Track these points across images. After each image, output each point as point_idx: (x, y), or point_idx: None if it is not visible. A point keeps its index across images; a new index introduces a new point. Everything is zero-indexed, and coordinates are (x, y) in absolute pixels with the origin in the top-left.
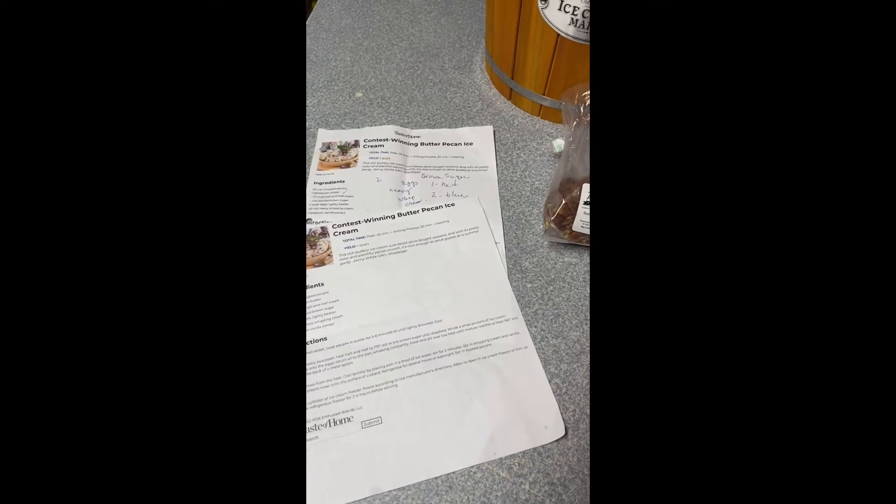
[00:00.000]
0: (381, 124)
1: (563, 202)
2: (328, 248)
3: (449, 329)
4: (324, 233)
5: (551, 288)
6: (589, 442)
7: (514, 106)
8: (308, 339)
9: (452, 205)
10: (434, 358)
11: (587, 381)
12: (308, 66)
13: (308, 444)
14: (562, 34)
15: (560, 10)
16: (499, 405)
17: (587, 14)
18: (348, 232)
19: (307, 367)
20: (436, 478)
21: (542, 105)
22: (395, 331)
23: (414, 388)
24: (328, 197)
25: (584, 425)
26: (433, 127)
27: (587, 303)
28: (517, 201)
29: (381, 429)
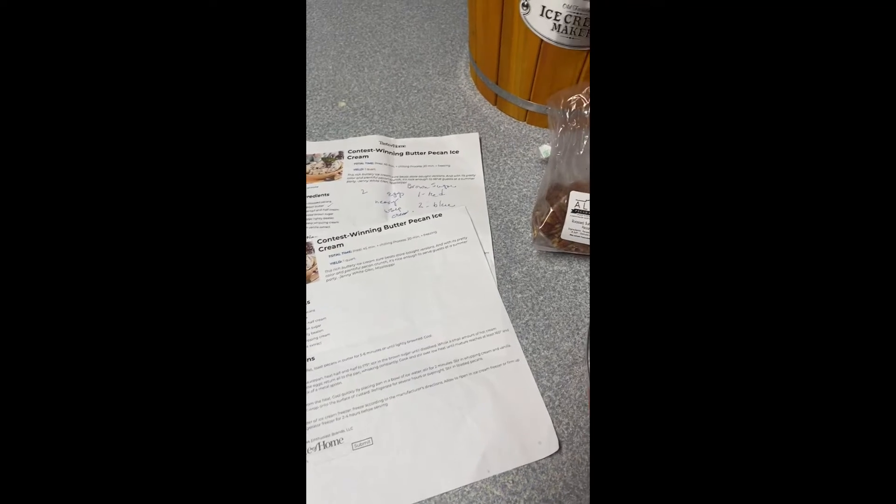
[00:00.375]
0: (365, 134)
1: (551, 210)
2: (314, 265)
3: (439, 344)
4: (309, 248)
5: (541, 298)
6: (583, 456)
7: (499, 111)
8: None
9: (440, 215)
10: (424, 375)
11: (580, 392)
12: None
13: None
14: (545, 39)
15: (542, 15)
16: (491, 421)
17: (569, 19)
18: (334, 247)
19: None
20: (429, 499)
21: (527, 110)
22: (383, 348)
23: (404, 407)
24: (312, 211)
25: (578, 439)
26: (418, 135)
27: (578, 312)
28: (505, 209)
29: (372, 450)
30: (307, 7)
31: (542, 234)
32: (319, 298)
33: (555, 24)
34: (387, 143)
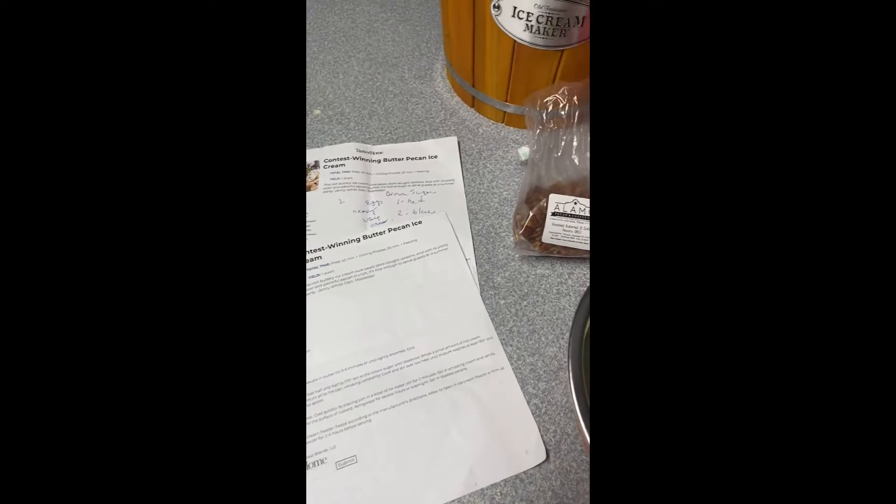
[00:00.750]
0: (341, 142)
1: (531, 214)
2: None
3: (422, 356)
4: None
5: (525, 303)
6: (571, 464)
7: (477, 114)
8: None
9: (420, 223)
10: (408, 388)
11: (566, 398)
12: None
13: None
14: (518, 40)
15: (514, 16)
16: (477, 433)
17: (541, 19)
18: (312, 260)
19: None
20: None
21: (505, 112)
22: (366, 362)
23: (389, 423)
24: None
25: (566, 446)
26: (396, 141)
27: (562, 315)
28: (486, 214)
29: (356, 468)
30: None
31: (522, 237)
32: None
33: (527, 24)
34: (364, 151)
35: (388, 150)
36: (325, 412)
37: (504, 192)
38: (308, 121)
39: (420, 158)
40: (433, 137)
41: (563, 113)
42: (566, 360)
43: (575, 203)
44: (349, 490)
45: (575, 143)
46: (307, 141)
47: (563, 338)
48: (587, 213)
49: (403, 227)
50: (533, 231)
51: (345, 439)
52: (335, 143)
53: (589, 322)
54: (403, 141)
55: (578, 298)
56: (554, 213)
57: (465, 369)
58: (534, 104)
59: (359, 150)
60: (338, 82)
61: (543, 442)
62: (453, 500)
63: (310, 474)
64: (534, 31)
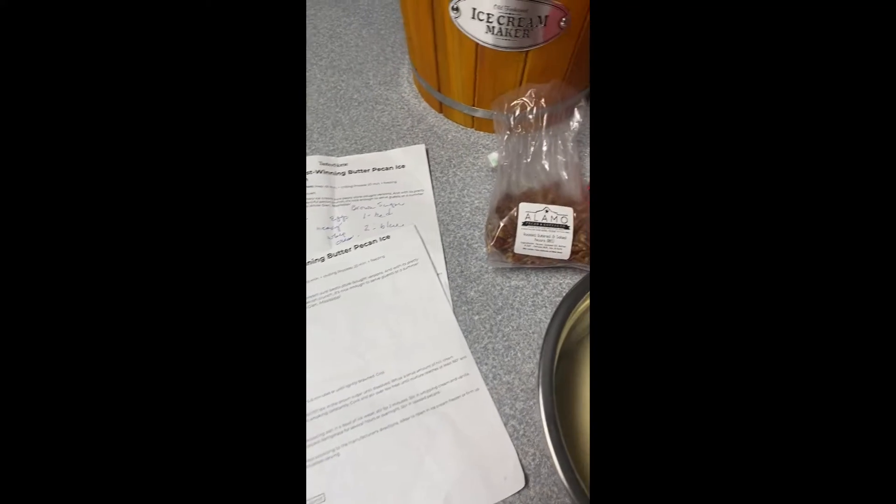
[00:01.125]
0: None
1: (502, 224)
2: None
3: (393, 381)
4: None
5: (500, 317)
6: (552, 488)
7: (446, 119)
8: None
9: (387, 237)
10: (378, 416)
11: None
12: None
13: None
14: (480, 43)
15: (474, 18)
16: (453, 460)
17: (503, 20)
18: None
19: None
20: None
21: (474, 116)
22: (333, 391)
23: (358, 455)
24: None
25: (546, 470)
26: (361, 151)
27: (538, 328)
28: (457, 225)
29: None
30: None
31: (494, 249)
32: None
33: (488, 26)
34: (327, 164)
35: (354, 161)
36: None
37: (476, 201)
38: None
39: (387, 169)
40: (400, 146)
41: (530, 116)
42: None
43: (546, 211)
44: None
45: (545, 148)
46: None
47: (539, 353)
48: (559, 221)
49: (370, 242)
50: (505, 242)
51: (312, 475)
52: None
53: (562, 338)
54: (369, 151)
55: (554, 308)
56: (525, 223)
57: (439, 393)
58: (501, 108)
59: (322, 164)
60: None
61: (522, 466)
62: None
63: None
64: (496, 32)
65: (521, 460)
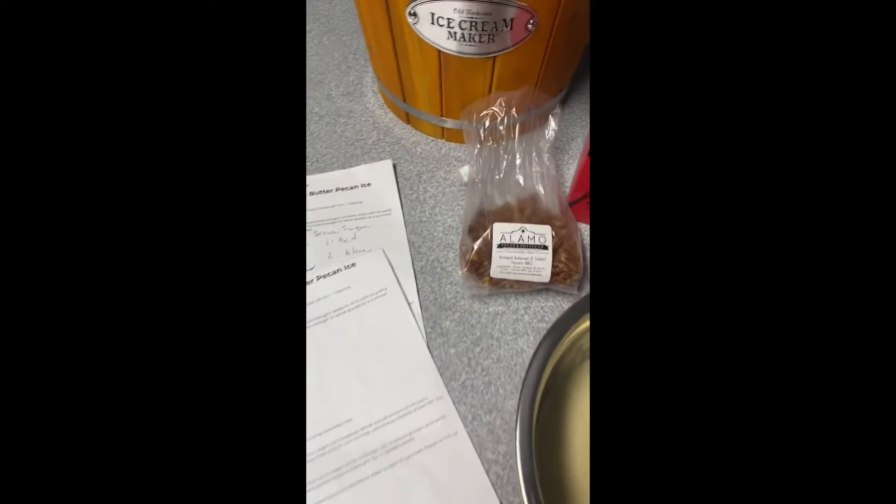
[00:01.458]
0: None
1: (476, 247)
2: None
3: (362, 429)
4: None
5: (478, 349)
6: None
7: (414, 130)
8: None
9: (353, 265)
10: (347, 471)
11: None
12: None
13: None
14: (443, 50)
15: (433, 23)
16: None
17: (465, 25)
18: None
19: None
20: None
21: (443, 127)
22: None
23: None
24: None
25: None
26: (324, 170)
27: (521, 359)
28: (429, 246)
29: None
30: None
31: (469, 274)
32: None
33: (450, 32)
34: None
35: (315, 181)
36: None
37: (449, 219)
38: None
39: (351, 188)
40: (366, 161)
41: (501, 127)
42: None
43: (522, 231)
44: None
45: (518, 161)
46: None
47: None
48: (537, 241)
49: (334, 272)
50: (480, 265)
51: None
52: None
53: (546, 376)
54: (332, 168)
55: (538, 337)
56: (500, 245)
57: (413, 439)
58: (470, 118)
59: None
60: None
61: None
62: None
63: None
64: (458, 38)
65: None
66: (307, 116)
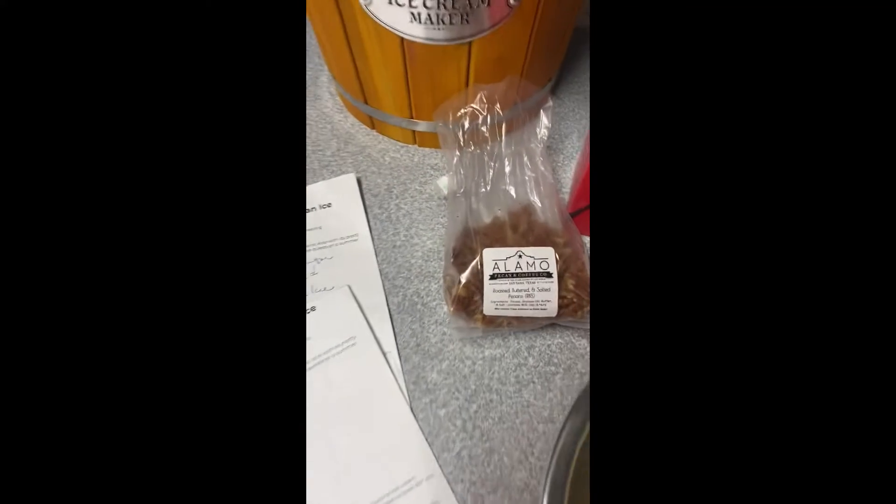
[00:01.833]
0: None
1: (463, 280)
2: None
3: None
4: None
5: (474, 407)
6: None
7: (381, 137)
8: None
9: (313, 309)
10: None
11: None
12: None
13: None
14: (406, 37)
15: (391, 3)
16: None
17: (431, 4)
18: None
19: None
20: None
21: (415, 130)
22: None
23: None
24: None
25: None
26: None
27: (528, 415)
28: (407, 278)
29: None
30: None
31: (457, 312)
32: None
33: (412, 13)
34: None
35: None
36: None
37: (428, 242)
38: None
39: (308, 210)
40: (325, 177)
41: (484, 128)
42: (541, 491)
43: (519, 256)
44: None
45: (507, 168)
46: None
47: (533, 452)
48: (539, 268)
49: None
50: (470, 301)
51: None
52: None
53: (578, 450)
54: None
55: (547, 385)
56: (494, 276)
57: None
58: (446, 119)
59: None
60: None
61: None
62: None
63: None
64: (424, 20)
65: None
66: None
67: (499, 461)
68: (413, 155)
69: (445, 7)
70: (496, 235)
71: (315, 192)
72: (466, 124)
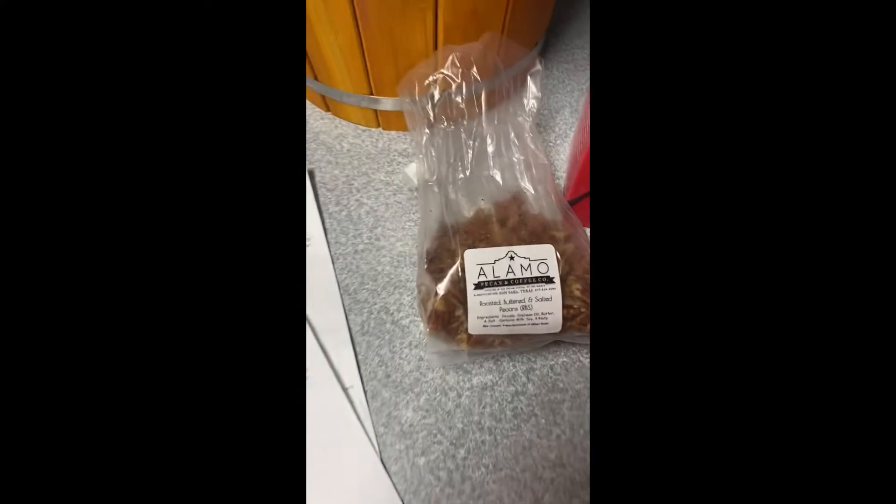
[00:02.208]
0: None
1: (441, 291)
2: None
3: None
4: None
5: (462, 453)
6: None
7: (337, 120)
8: None
9: None
10: None
11: None
12: None
13: None
14: None
15: None
16: None
17: None
18: None
19: None
20: None
21: (377, 110)
22: None
23: None
24: None
25: None
26: None
27: (529, 460)
28: (372, 289)
29: None
30: None
31: (435, 331)
32: None
33: None
34: None
35: None
36: None
37: (398, 244)
38: None
39: None
40: None
41: (459, 98)
42: None
43: (511, 259)
44: None
45: (490, 148)
46: None
47: (533, 498)
48: (536, 271)
49: None
50: (450, 318)
51: None
52: None
53: None
54: None
55: (552, 419)
56: (479, 285)
57: None
58: (412, 91)
59: None
60: None
61: None
62: None
63: None
64: None
65: None
66: None
67: None
68: (376, 140)
69: None
70: (480, 233)
71: None
72: (437, 95)
